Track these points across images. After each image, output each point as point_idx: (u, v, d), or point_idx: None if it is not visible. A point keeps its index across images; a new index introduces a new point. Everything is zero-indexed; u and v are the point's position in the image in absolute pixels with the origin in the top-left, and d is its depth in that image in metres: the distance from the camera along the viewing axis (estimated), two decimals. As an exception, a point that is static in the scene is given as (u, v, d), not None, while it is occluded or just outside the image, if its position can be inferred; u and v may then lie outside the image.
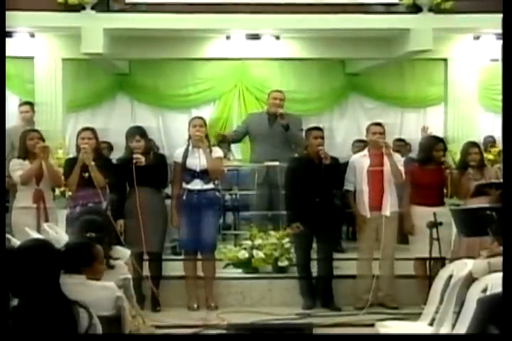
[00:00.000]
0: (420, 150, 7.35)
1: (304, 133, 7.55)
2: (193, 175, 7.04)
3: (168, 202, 7.34)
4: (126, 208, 6.95)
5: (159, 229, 7.02)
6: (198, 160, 7.03)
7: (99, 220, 5.08)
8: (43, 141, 6.95)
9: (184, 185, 7.07)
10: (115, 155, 8.08)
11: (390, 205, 7.05)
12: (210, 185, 7.10)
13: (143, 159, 6.89)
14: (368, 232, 7.11)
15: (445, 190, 7.05)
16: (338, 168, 7.13)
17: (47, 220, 6.62)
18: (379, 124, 7.31)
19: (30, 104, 8.87)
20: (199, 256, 7.14)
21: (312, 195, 6.95)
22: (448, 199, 7.09)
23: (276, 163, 7.78)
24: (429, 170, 7.02)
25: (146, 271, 6.92)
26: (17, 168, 6.86)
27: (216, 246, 7.27)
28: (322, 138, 7.09)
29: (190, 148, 7.12)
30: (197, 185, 7.04)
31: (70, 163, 6.96)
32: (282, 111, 8.08)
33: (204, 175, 7.04)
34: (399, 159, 7.26)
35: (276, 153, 7.96)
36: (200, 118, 7.44)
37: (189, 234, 7.05)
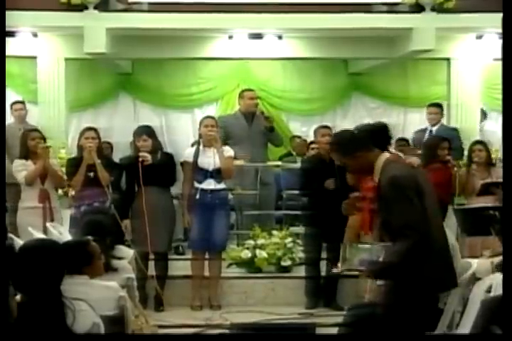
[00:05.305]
0: (425, 150, 7.35)
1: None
2: (206, 174, 6.99)
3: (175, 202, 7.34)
4: (134, 208, 6.93)
5: (167, 228, 6.99)
6: (210, 160, 6.97)
7: (103, 220, 5.09)
8: (44, 140, 6.96)
9: (197, 185, 7.00)
10: (116, 155, 8.07)
11: None
12: (222, 185, 7.08)
13: (149, 157, 6.85)
14: (356, 231, 7.07)
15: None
16: None
17: (52, 220, 6.63)
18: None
19: (23, 102, 8.88)
20: (206, 256, 7.12)
21: (326, 194, 6.90)
22: (456, 197, 7.10)
23: (279, 163, 7.76)
24: (434, 168, 7.01)
25: (151, 271, 6.91)
26: (20, 169, 6.86)
27: (226, 246, 7.28)
28: (330, 135, 7.05)
29: (201, 147, 7.09)
30: (210, 184, 6.99)
31: (73, 163, 6.94)
32: (267, 113, 8.06)
33: (217, 174, 7.00)
34: None
35: (256, 153, 7.98)
36: (212, 117, 7.40)
37: (200, 233, 7.00)
